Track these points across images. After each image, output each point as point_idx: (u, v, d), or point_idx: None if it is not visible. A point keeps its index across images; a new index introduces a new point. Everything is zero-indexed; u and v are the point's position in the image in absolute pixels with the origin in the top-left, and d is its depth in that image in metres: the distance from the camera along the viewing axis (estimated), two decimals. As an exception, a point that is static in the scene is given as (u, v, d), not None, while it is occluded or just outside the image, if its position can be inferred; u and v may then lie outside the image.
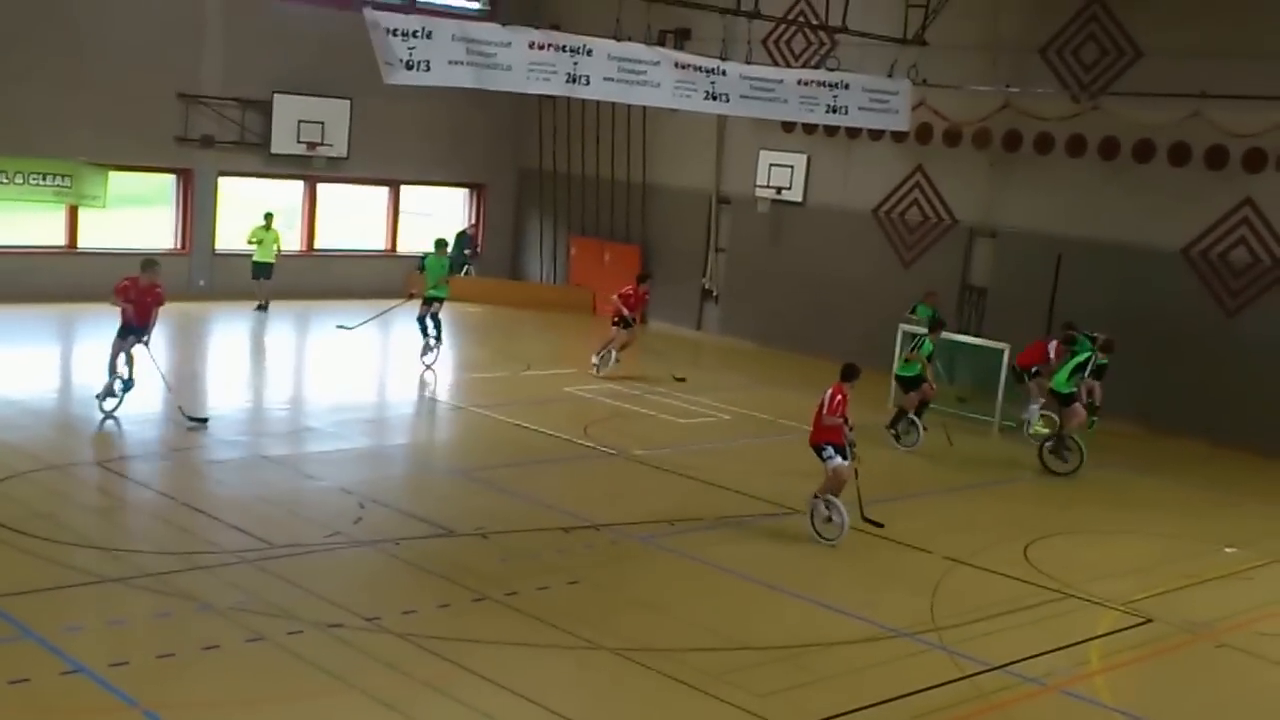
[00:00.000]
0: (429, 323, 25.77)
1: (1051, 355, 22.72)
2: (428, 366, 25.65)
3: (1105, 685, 13.05)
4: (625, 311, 26.43)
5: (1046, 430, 22.63)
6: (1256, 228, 24.40)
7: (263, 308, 30.25)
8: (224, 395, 22.69)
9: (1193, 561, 17.35)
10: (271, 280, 30.46)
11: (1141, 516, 19.52)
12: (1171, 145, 25.19)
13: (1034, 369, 23.17)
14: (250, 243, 30.29)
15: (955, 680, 12.71)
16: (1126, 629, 14.59)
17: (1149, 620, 14.87)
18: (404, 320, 31.61)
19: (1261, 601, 16.00)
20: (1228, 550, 17.96)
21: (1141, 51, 25.61)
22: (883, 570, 16.02)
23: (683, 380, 25.94)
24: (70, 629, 12.11)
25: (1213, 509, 20.23)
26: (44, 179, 28.58)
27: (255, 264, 30.39)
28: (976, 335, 25.97)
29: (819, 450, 16.80)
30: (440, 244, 26.97)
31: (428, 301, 25.85)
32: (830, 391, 16.67)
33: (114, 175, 29.29)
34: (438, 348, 25.96)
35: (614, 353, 26.43)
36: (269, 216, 30.45)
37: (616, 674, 12.25)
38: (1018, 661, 13.18)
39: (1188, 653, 14.26)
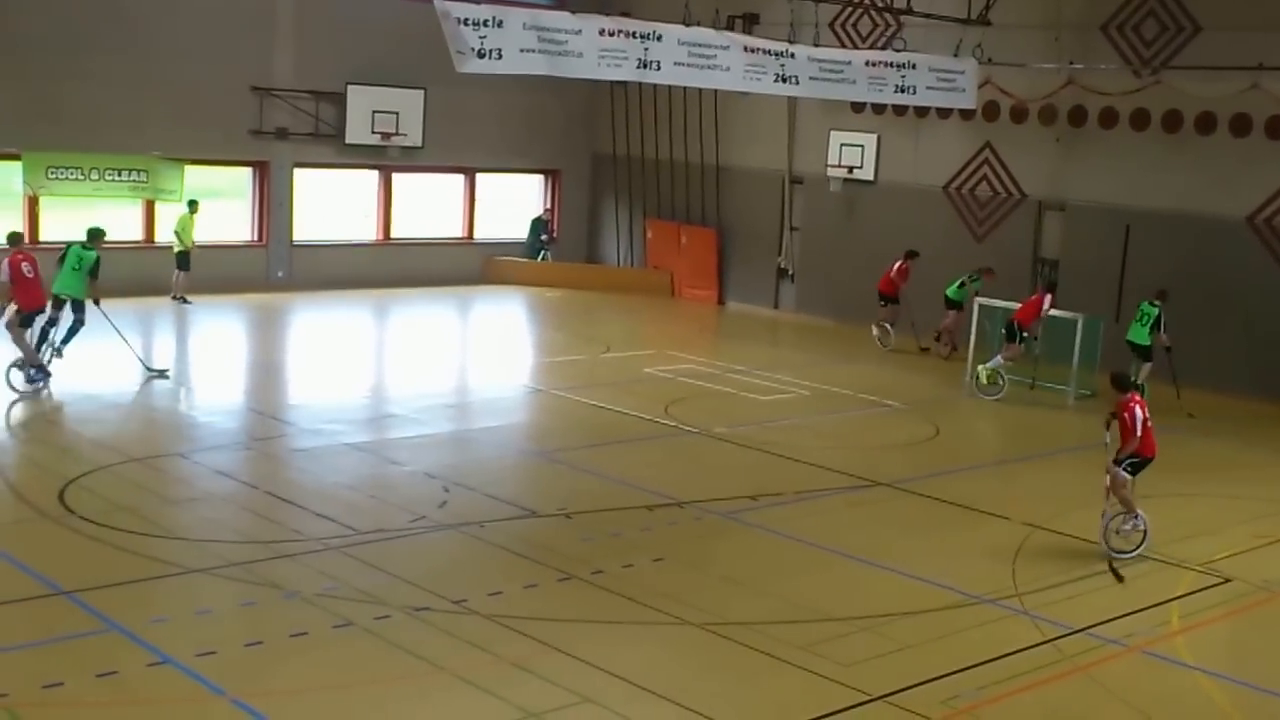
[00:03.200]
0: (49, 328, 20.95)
1: (1047, 308, 23.77)
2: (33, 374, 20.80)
3: (1186, 645, 13.08)
4: (890, 290, 28.09)
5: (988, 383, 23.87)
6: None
7: (184, 300, 28.71)
8: (305, 384, 23.08)
9: (1267, 522, 17.33)
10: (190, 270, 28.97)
11: (1215, 479, 19.54)
12: (1232, 117, 25.42)
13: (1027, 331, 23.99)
14: (177, 232, 28.85)
15: (1038, 644, 12.78)
16: (1205, 589, 14.63)
17: (1227, 580, 14.93)
18: (481, 304, 32.05)
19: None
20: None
21: (1200, 26, 25.76)
22: (963, 538, 16.08)
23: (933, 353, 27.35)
24: (156, 620, 12.09)
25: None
26: (120, 174, 28.87)
27: (179, 255, 28.77)
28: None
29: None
30: (94, 233, 21.82)
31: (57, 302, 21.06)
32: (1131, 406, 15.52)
33: (189, 169, 29.53)
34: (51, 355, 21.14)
35: (889, 327, 28.23)
36: (193, 204, 29.07)
37: (704, 648, 12.34)
38: (1099, 624, 13.22)
39: (1266, 611, 14.28)
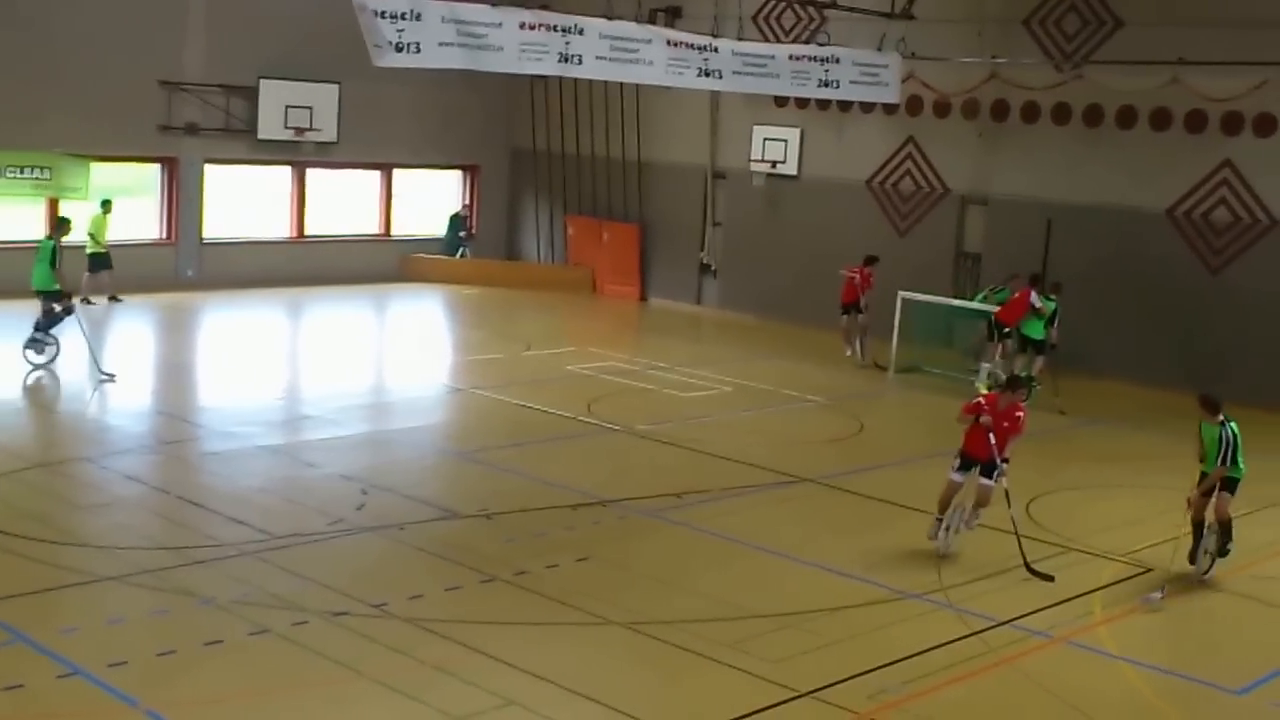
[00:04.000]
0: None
1: (1037, 304, 23.42)
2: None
3: (1109, 635, 13.18)
4: (851, 299, 26.09)
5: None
6: (1236, 188, 24.95)
7: (116, 299, 28.05)
8: (216, 385, 22.67)
9: (1185, 512, 17.41)
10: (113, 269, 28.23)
11: (1136, 470, 19.70)
12: (1153, 111, 25.70)
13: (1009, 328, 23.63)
14: (91, 233, 27.90)
15: (964, 637, 12.83)
16: (1128, 579, 14.76)
17: (1149, 569, 15.09)
18: (398, 302, 31.73)
19: (1255, 546, 16.21)
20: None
21: (1121, 21, 26.03)
22: (889, 533, 16.05)
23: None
24: (66, 631, 11.85)
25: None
26: (21, 171, 28.08)
27: (94, 256, 27.87)
28: (972, 300, 26.08)
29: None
30: (62, 223, 22.88)
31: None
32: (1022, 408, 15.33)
33: (96, 166, 28.83)
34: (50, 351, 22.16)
35: (859, 342, 26.23)
36: (107, 203, 28.36)
37: (629, 648, 12.23)
38: (1024, 616, 13.31)
39: (1188, 599, 14.38)
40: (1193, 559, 14.70)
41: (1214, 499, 14.63)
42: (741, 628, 12.69)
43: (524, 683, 11.20)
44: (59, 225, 22.58)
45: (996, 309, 24.10)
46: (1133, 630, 13.47)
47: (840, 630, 12.84)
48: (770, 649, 12.22)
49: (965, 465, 15.09)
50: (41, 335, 21.83)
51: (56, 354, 21.97)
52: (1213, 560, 14.76)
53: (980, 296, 25.60)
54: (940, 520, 15.04)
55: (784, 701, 11.16)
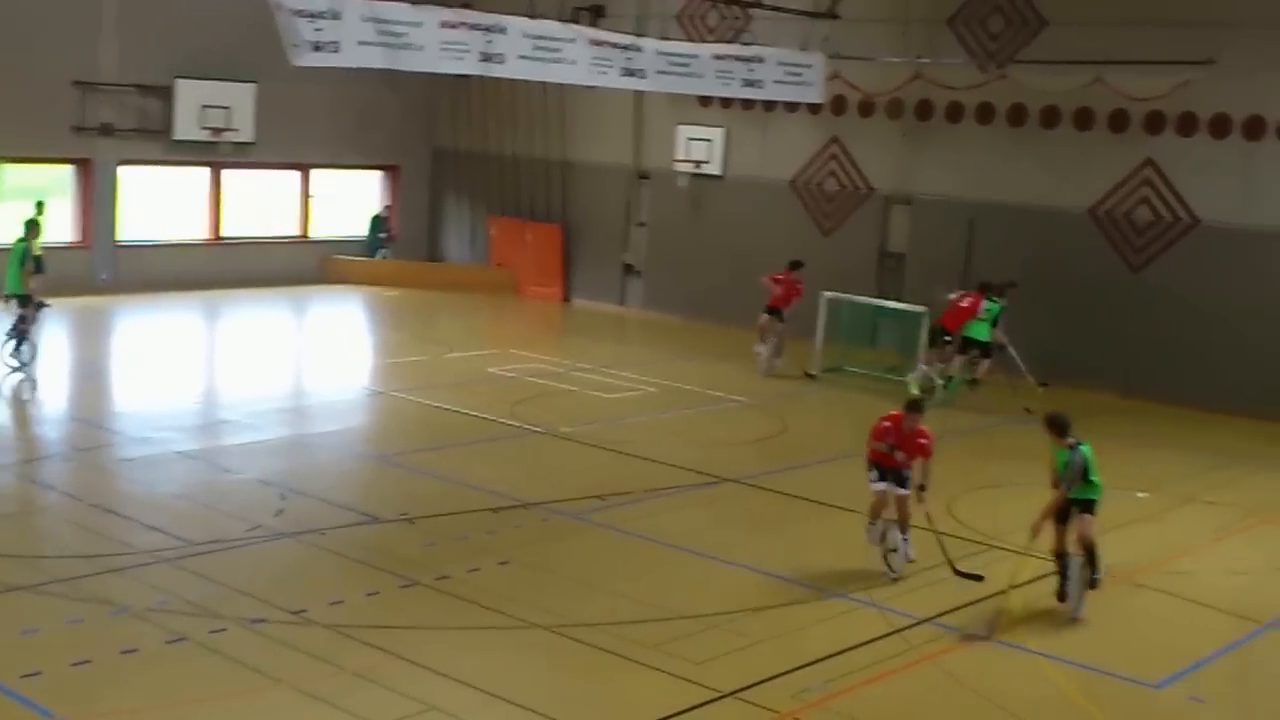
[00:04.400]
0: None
1: (972, 303, 23.34)
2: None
3: (1029, 631, 13.25)
4: (779, 304, 25.12)
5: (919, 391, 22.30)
6: (1158, 187, 25.10)
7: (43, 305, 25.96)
8: (132, 390, 22.33)
9: (1107, 508, 17.44)
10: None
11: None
12: (1076, 111, 25.83)
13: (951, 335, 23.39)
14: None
15: (886, 635, 12.88)
16: (1047, 575, 14.68)
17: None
18: (318, 304, 31.44)
19: (1173, 542, 16.55)
20: (1140, 495, 18.36)
21: (1045, 20, 26.13)
22: (812, 532, 16.09)
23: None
24: (-24, 643, 11.70)
25: (1124, 457, 20.52)
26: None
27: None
28: (896, 300, 26.09)
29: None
30: (30, 225, 22.74)
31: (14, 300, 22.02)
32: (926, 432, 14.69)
33: (7, 168, 28.33)
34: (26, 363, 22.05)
35: (774, 343, 25.25)
36: (40, 205, 26.66)
37: (553, 651, 12.14)
38: (946, 613, 13.35)
39: (1108, 595, 14.43)
40: (1062, 596, 13.76)
41: (1076, 524, 13.76)
42: (665, 629, 12.64)
43: (445, 688, 11.11)
44: (29, 228, 22.33)
45: (859, 301, 24.66)
46: (1053, 626, 13.53)
47: (763, 630, 12.83)
48: (693, 650, 12.18)
49: (882, 474, 14.65)
50: (17, 338, 21.69)
51: (34, 357, 21.94)
52: (1082, 594, 13.74)
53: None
54: (873, 524, 14.68)
55: (707, 703, 11.14)
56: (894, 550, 14.53)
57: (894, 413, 14.65)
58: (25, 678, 10.85)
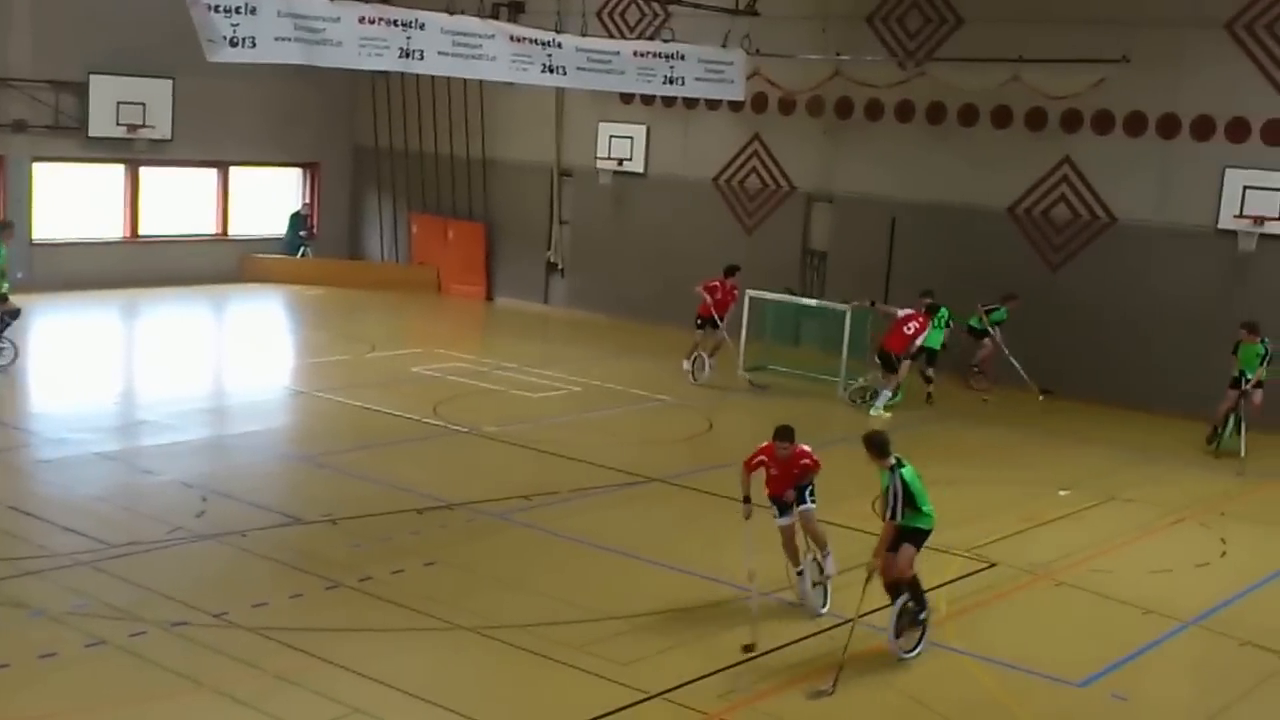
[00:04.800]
0: None
1: (918, 328, 22.94)
2: None
3: (954, 630, 13.32)
4: (716, 312, 24.19)
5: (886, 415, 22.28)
6: (1075, 185, 25.39)
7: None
8: (48, 391, 21.98)
9: (1030, 505, 17.94)
10: None
11: (979, 465, 20.08)
12: (994, 109, 26.08)
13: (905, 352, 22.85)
14: None
15: (813, 635, 12.91)
16: (971, 574, 14.97)
17: (992, 564, 15.36)
18: (238, 303, 31.16)
19: (1094, 540, 16.68)
20: (1061, 493, 18.64)
21: (962, 18, 26.36)
22: (738, 533, 15.86)
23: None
24: (-113, 648, 11.52)
25: (1045, 454, 20.93)
26: None
27: None
28: (819, 298, 26.20)
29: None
30: (5, 226, 23.49)
31: None
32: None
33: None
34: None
35: (706, 358, 24.47)
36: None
37: (478, 653, 12.10)
38: (871, 612, 13.20)
39: (1030, 593, 14.66)
40: (898, 632, 12.59)
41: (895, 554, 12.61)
42: (591, 630, 12.62)
43: (371, 690, 11.03)
44: (3, 228, 22.62)
45: (784, 299, 24.69)
46: (976, 625, 13.63)
47: (690, 630, 12.84)
48: (620, 651, 12.17)
49: (782, 508, 13.79)
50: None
51: (15, 357, 22.21)
52: (919, 634, 12.71)
53: (975, 320, 24.82)
54: (800, 573, 13.70)
55: (635, 704, 11.14)
56: (818, 583, 13.68)
57: (763, 445, 13.72)
58: (-59, 682, 10.71)
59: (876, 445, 12.79)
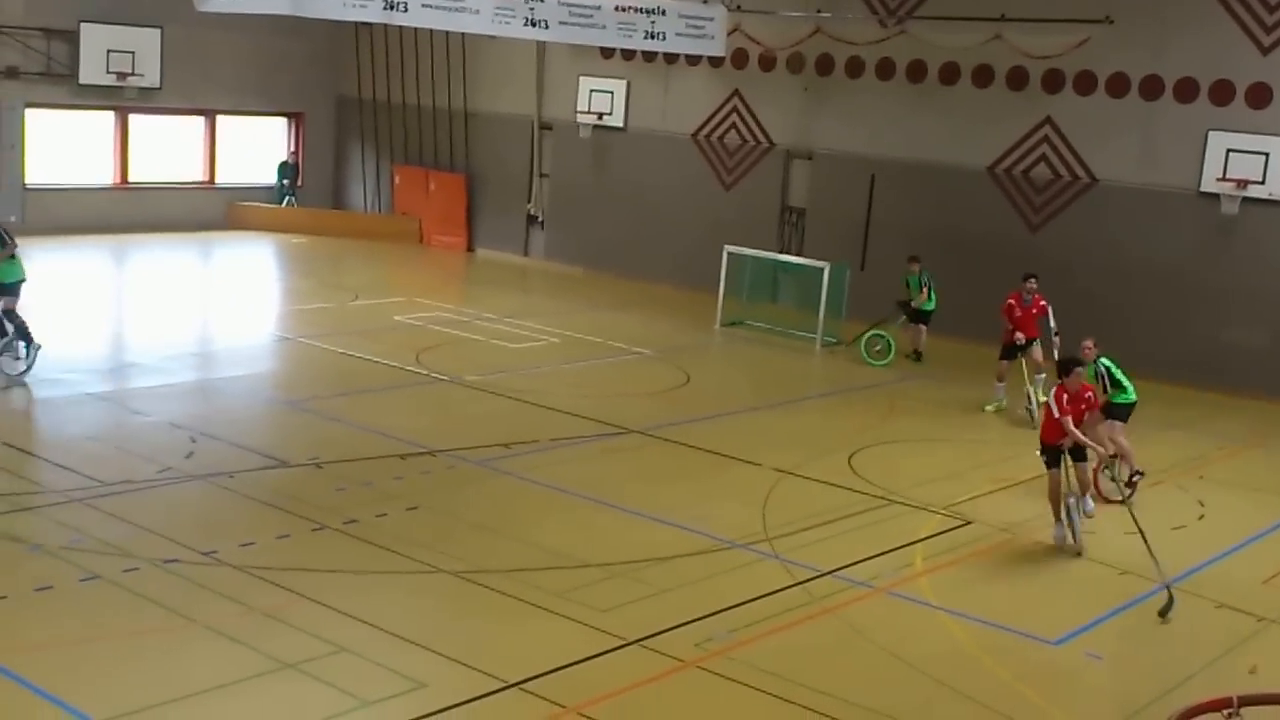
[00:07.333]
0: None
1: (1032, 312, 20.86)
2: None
3: (930, 585, 13.51)
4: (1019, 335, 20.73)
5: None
6: (1056, 145, 25.39)
7: None
8: (41, 333, 22.11)
9: (1005, 465, 17.97)
10: None
11: (956, 425, 20.19)
12: (975, 68, 26.05)
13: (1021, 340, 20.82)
14: None
15: (788, 587, 13.08)
16: (947, 531, 15.14)
17: (968, 522, 15.48)
18: (224, 250, 31.32)
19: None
20: (1037, 453, 18.55)
21: (943, -24, 26.30)
22: (714, 484, 16.32)
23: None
24: (-111, 579, 11.81)
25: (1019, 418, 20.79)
26: None
27: None
28: (797, 255, 26.44)
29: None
30: None
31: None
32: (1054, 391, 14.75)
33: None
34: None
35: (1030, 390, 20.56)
36: None
37: (458, 596, 12.35)
38: (846, 566, 13.59)
39: (1005, 551, 14.81)
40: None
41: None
42: (570, 577, 12.86)
43: (355, 630, 11.30)
44: None
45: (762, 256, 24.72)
46: (953, 582, 13.74)
47: (667, 579, 13.03)
48: (598, 598, 12.39)
49: (1052, 457, 14.80)
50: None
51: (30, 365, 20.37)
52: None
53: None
54: (1060, 522, 14.86)
55: (612, 650, 11.35)
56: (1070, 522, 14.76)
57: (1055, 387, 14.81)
58: (-60, 614, 11.01)
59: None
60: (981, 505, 16.09)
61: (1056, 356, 18.38)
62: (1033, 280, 20.86)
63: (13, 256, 18.75)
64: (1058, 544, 14.80)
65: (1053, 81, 25.26)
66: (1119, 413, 16.56)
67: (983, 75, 25.98)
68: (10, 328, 18.51)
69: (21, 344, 18.61)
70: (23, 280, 18.96)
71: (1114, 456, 15.89)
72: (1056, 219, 25.46)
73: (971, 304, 25.41)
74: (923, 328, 23.79)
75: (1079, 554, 14.59)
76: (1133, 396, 16.65)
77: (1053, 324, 20.55)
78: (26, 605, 11.43)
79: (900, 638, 12.20)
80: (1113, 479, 15.22)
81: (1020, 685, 11.46)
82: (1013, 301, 20.80)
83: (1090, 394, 15.04)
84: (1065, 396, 14.53)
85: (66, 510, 13.63)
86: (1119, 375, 16.62)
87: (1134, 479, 16.25)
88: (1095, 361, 16.23)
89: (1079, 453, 14.72)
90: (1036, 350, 20.65)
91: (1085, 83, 24.97)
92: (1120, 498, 14.95)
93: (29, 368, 18.53)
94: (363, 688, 10.38)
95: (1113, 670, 12.18)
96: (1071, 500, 14.73)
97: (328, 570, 12.56)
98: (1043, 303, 20.73)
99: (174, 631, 11.12)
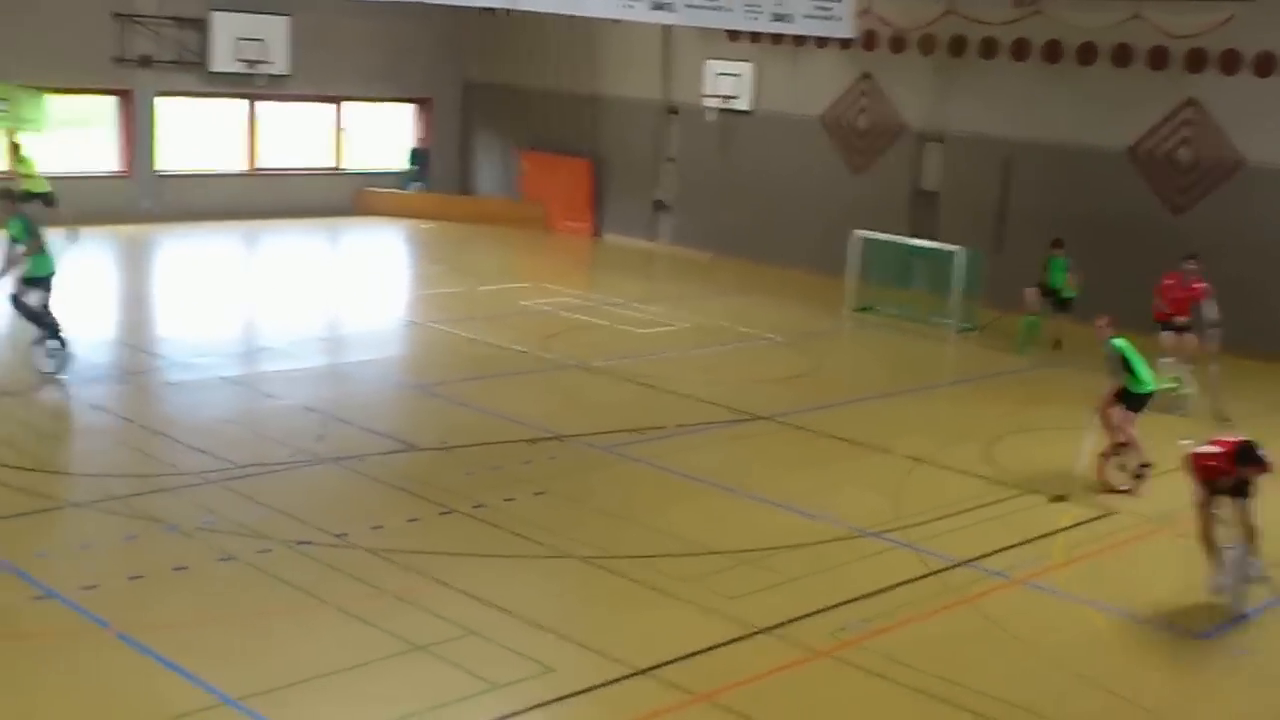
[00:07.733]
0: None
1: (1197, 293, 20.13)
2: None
3: (1069, 577, 13.18)
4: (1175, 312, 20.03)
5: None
6: (1200, 127, 24.61)
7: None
8: (176, 317, 22.53)
9: (1151, 455, 17.47)
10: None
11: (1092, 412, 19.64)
12: (1114, 47, 25.36)
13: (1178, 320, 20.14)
14: (26, 175, 26.51)
15: (923, 576, 12.85)
16: (1089, 521, 14.76)
17: (1111, 513, 15.05)
18: (353, 236, 31.64)
19: (1218, 491, 16.23)
20: (1183, 442, 18.11)
21: (1080, -46, 25.74)
22: (846, 472, 16.12)
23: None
24: (39, 554, 12.05)
25: (1165, 402, 20.25)
26: (-20, 101, 27.67)
27: (45, 195, 26.04)
28: (930, 239, 26.05)
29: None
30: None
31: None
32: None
33: (52, 98, 28.66)
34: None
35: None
36: (17, 146, 27.27)
37: (588, 581, 12.30)
38: (983, 557, 13.30)
39: (1148, 544, 14.40)
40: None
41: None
42: (699, 563, 12.73)
43: (483, 613, 11.29)
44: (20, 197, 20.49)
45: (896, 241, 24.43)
46: (1094, 574, 13.37)
47: (799, 567, 12.85)
48: (729, 585, 12.26)
49: (1212, 490, 12.64)
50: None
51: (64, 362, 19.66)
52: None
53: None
54: (1219, 572, 12.71)
55: (743, 637, 11.22)
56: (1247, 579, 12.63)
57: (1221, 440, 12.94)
58: (84, 590, 11.25)
59: None
60: (1125, 496, 15.55)
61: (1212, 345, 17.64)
62: (1192, 261, 20.19)
63: (42, 249, 17.53)
64: (1215, 592, 12.76)
65: (1195, 61, 24.41)
66: (1132, 402, 15.66)
67: (1122, 55, 25.23)
68: (47, 320, 17.65)
69: (54, 342, 17.71)
70: (53, 274, 17.72)
71: (1123, 444, 15.52)
72: (1202, 202, 24.67)
73: (1109, 288, 24.91)
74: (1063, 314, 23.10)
75: (1243, 617, 12.51)
76: (1149, 386, 15.72)
77: (1213, 313, 19.67)
78: (164, 584, 11.61)
79: (1038, 629, 11.92)
80: (1121, 468, 15.21)
81: (1163, 679, 11.17)
82: (1171, 282, 20.17)
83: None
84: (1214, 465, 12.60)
85: (202, 491, 13.80)
86: (1133, 360, 15.69)
87: (1142, 471, 15.58)
88: (1108, 342, 15.73)
89: (1241, 487, 12.50)
90: (1189, 338, 19.94)
91: (1230, 62, 24.12)
92: (1127, 487, 14.88)
93: (60, 368, 17.69)
94: (492, 671, 10.35)
95: (1262, 665, 11.78)
96: (1234, 553, 12.58)
97: (456, 554, 12.57)
98: (1203, 285, 19.89)
99: (307, 612, 11.23)
